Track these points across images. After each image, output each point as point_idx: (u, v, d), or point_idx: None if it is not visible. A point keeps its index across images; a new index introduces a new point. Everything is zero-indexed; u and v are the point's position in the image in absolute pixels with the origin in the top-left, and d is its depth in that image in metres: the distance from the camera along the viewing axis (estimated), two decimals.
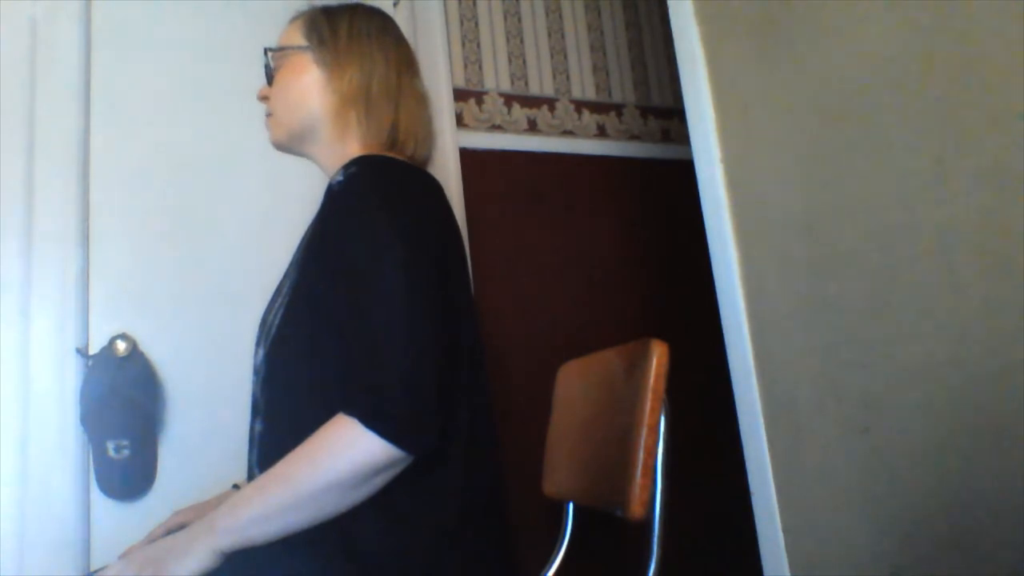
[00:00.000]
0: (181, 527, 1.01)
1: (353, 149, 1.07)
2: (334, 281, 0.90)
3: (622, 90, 2.35)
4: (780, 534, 1.37)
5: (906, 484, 1.16)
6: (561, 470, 1.23)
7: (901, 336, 1.17)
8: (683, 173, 1.70)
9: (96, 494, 1.51)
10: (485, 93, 2.11)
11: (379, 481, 0.84)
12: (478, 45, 2.13)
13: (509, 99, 2.14)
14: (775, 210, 1.39)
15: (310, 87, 1.10)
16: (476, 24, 2.15)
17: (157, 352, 1.57)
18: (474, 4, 2.16)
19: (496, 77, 2.14)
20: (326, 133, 1.10)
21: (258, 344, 1.04)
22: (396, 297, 0.84)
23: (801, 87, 1.33)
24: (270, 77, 1.15)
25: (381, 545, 0.87)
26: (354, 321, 0.85)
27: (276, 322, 0.99)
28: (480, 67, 2.13)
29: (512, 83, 2.16)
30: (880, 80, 1.20)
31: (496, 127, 2.09)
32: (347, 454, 0.81)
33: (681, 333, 1.44)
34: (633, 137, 2.32)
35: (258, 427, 1.00)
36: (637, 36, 2.43)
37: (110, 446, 1.49)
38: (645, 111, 2.37)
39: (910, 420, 1.15)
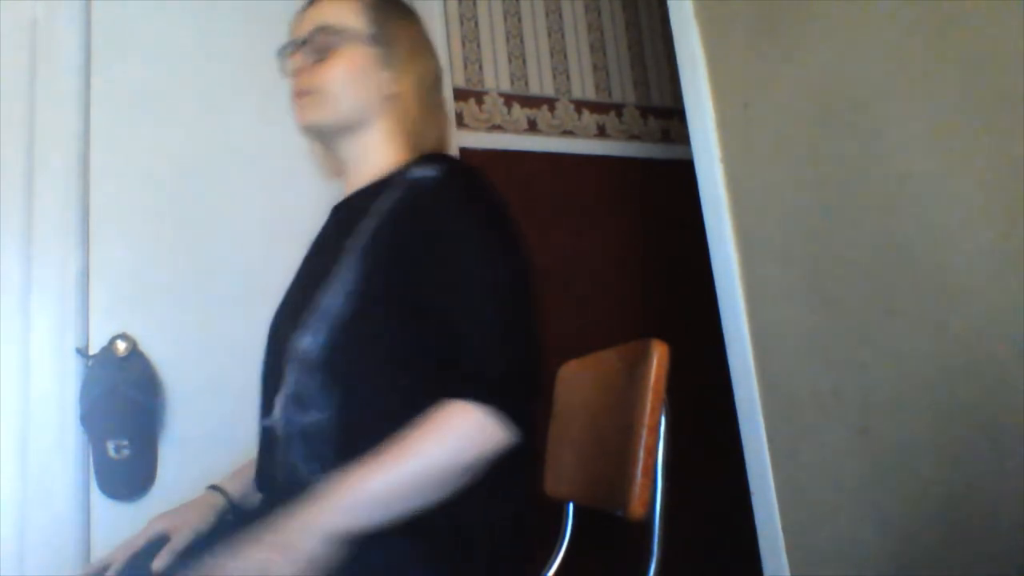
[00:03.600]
0: (161, 536, 0.99)
1: (396, 150, 1.10)
2: (434, 276, 0.92)
3: (622, 90, 2.35)
4: (780, 534, 1.37)
5: (906, 484, 1.16)
6: (561, 470, 1.23)
7: (901, 336, 1.17)
8: (683, 173, 1.70)
9: (96, 494, 1.50)
10: (485, 93, 2.11)
11: (486, 464, 0.87)
12: (478, 45, 2.13)
13: (509, 99, 2.14)
14: (775, 210, 1.39)
15: (370, 79, 1.09)
16: (476, 24, 2.15)
17: (157, 352, 1.57)
18: (474, 4, 2.16)
19: (496, 77, 2.14)
20: (375, 129, 1.11)
21: (299, 330, 0.95)
22: (514, 297, 0.93)
23: (801, 86, 1.33)
24: (318, 53, 1.08)
25: (477, 520, 0.90)
26: (466, 316, 0.90)
27: (340, 310, 0.94)
28: (480, 67, 2.13)
29: (512, 83, 2.16)
30: (880, 80, 1.20)
31: (496, 127, 2.09)
32: (477, 439, 0.84)
33: (681, 333, 1.44)
34: (633, 137, 2.32)
35: (308, 418, 0.93)
36: (637, 36, 2.43)
37: (110, 446, 1.49)
38: (645, 111, 2.37)
39: (910, 420, 1.16)
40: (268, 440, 0.99)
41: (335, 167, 1.20)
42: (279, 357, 1.00)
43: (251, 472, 1.07)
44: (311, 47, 1.09)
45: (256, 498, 1.08)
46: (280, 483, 0.95)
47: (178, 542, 0.99)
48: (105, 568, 0.99)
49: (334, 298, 0.95)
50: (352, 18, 1.11)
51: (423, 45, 1.16)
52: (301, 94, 1.09)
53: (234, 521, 1.05)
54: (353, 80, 1.09)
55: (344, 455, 0.86)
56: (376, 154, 1.11)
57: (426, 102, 1.12)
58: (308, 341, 0.94)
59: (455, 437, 0.84)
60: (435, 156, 1.06)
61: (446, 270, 0.92)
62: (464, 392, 0.85)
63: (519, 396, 0.87)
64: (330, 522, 0.80)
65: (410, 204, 0.98)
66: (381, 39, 1.11)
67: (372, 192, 1.06)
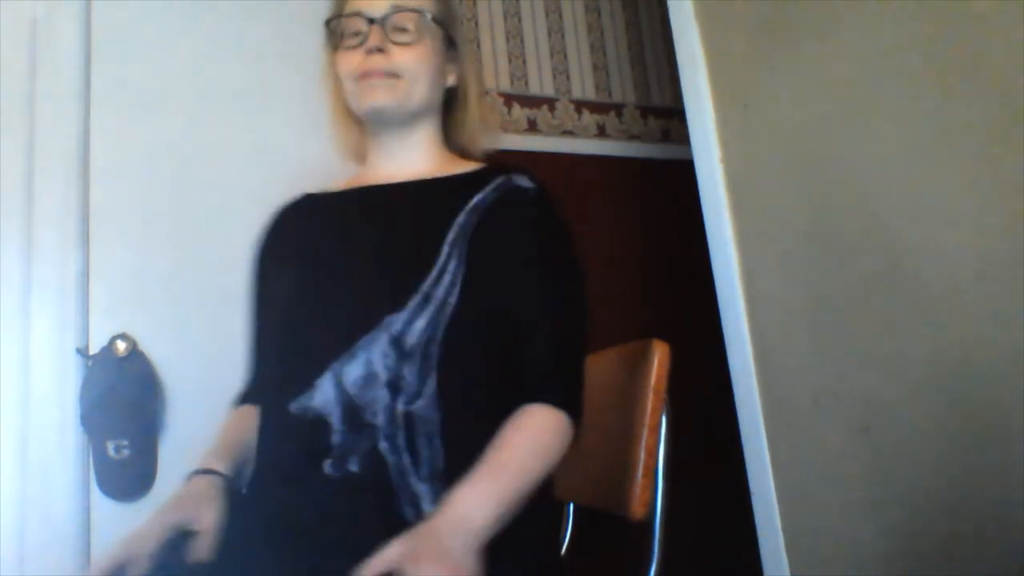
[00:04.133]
0: (179, 527, 0.92)
1: (442, 145, 1.14)
2: (525, 281, 0.99)
3: (622, 90, 2.35)
4: (780, 534, 1.37)
5: (906, 484, 1.16)
6: (562, 470, 1.23)
7: (901, 336, 1.17)
8: (683, 173, 1.70)
9: (96, 494, 1.50)
10: (485, 93, 2.11)
11: None
12: (478, 45, 2.13)
13: (509, 99, 2.14)
14: (775, 210, 1.39)
15: (443, 69, 1.11)
16: (476, 24, 2.15)
17: (157, 352, 1.57)
18: (474, 4, 2.16)
19: (496, 77, 2.14)
20: (432, 120, 1.13)
21: (395, 312, 0.93)
22: (581, 308, 1.02)
23: (801, 87, 1.33)
24: (402, 33, 1.06)
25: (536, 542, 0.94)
26: (549, 322, 0.98)
27: (448, 300, 0.94)
28: (480, 67, 2.13)
29: (512, 83, 2.16)
30: (880, 80, 1.20)
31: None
32: (565, 442, 0.92)
33: (681, 333, 1.44)
34: (633, 137, 2.32)
35: (406, 405, 0.90)
36: (637, 36, 2.43)
37: (110, 446, 1.49)
38: (645, 111, 2.37)
39: (910, 420, 1.16)
40: (303, 425, 0.92)
41: (361, 152, 1.17)
42: (328, 333, 0.95)
43: (234, 455, 1.02)
44: (390, 25, 1.05)
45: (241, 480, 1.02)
46: (337, 474, 0.89)
47: (207, 530, 0.92)
48: (121, 568, 0.90)
49: (442, 287, 0.95)
50: (432, 4, 1.09)
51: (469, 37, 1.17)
52: (377, 74, 1.04)
53: (240, 509, 0.97)
54: (432, 66, 1.08)
55: (449, 447, 0.88)
56: (429, 145, 1.12)
57: (480, 98, 1.16)
58: (417, 325, 0.93)
59: (551, 438, 0.91)
60: (523, 168, 1.10)
61: (536, 276, 1.00)
62: (548, 397, 0.93)
63: (581, 400, 0.96)
64: (482, 531, 0.79)
65: (512, 210, 1.03)
66: (447, 24, 1.11)
67: (447, 186, 1.06)
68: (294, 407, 0.93)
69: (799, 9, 1.33)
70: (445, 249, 0.97)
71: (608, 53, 2.35)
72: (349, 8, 1.08)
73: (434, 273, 0.96)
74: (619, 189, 2.24)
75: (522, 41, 2.21)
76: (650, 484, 0.96)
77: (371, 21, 1.05)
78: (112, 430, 1.49)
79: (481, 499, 0.82)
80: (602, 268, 2.15)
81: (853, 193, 1.24)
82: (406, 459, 0.88)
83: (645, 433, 0.96)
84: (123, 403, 1.50)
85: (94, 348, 1.54)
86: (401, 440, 0.89)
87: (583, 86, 2.28)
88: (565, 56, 2.27)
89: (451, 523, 0.79)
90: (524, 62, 2.19)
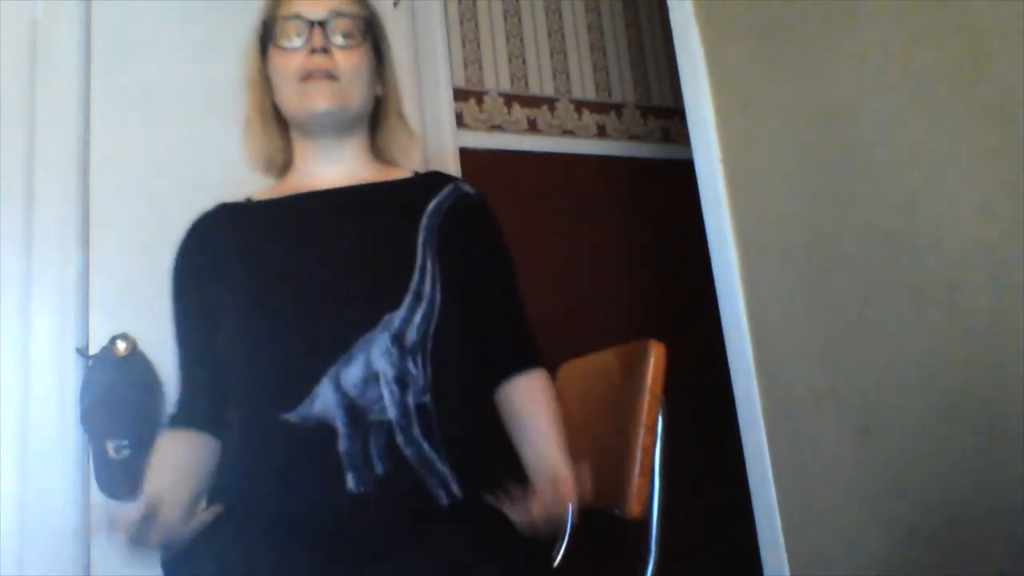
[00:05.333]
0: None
1: (369, 153, 1.17)
2: (491, 274, 1.12)
3: (622, 90, 2.35)
4: (780, 534, 1.37)
5: (906, 484, 1.16)
6: None
7: (901, 336, 1.17)
8: (683, 173, 1.69)
9: (96, 494, 1.51)
10: (485, 93, 2.11)
11: None
12: (478, 45, 2.14)
13: (509, 99, 2.14)
14: (775, 210, 1.39)
15: (374, 78, 1.14)
16: (476, 24, 2.15)
17: (157, 352, 1.57)
18: (474, 4, 2.16)
19: (496, 77, 2.14)
20: (367, 128, 1.16)
21: (391, 311, 0.97)
22: (517, 288, 1.15)
23: (801, 87, 1.33)
24: (343, 38, 1.07)
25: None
26: (508, 303, 1.13)
27: (435, 296, 1.00)
28: (480, 67, 2.13)
29: (512, 83, 2.16)
30: (880, 80, 1.19)
31: (496, 127, 2.09)
32: (552, 387, 1.08)
33: (681, 333, 1.44)
34: (633, 137, 2.32)
35: (415, 399, 0.95)
36: (637, 36, 2.43)
37: (110, 446, 1.49)
38: (645, 111, 2.37)
39: (910, 420, 1.15)
40: (305, 434, 0.92)
41: (276, 161, 1.18)
42: (318, 338, 0.96)
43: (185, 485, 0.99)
44: (331, 30, 1.06)
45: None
46: (363, 488, 0.90)
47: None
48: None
49: (427, 285, 1.00)
50: (359, 7, 1.11)
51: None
52: (320, 76, 1.05)
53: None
54: (368, 72, 1.11)
55: (446, 432, 0.94)
56: (363, 152, 1.15)
57: (401, 113, 1.19)
58: (414, 322, 0.98)
59: (553, 391, 1.07)
60: (456, 177, 1.21)
61: (496, 270, 1.13)
62: (527, 364, 1.07)
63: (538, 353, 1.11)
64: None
65: (466, 214, 1.11)
66: (378, 35, 1.13)
67: (399, 190, 1.12)
68: (293, 417, 0.93)
69: (799, 9, 1.33)
70: (419, 250, 1.02)
71: (608, 53, 2.35)
72: (286, 11, 1.08)
73: (417, 272, 1.00)
74: (619, 189, 2.24)
75: (522, 41, 2.21)
76: (647, 483, 0.96)
77: (312, 24, 1.06)
78: (112, 430, 1.49)
79: (560, 452, 0.98)
80: (601, 268, 2.15)
81: (853, 193, 1.24)
82: (426, 447, 0.92)
83: (642, 433, 0.97)
84: (123, 403, 1.50)
85: (94, 348, 1.54)
86: (417, 431, 0.93)
87: (583, 86, 2.28)
88: (565, 56, 2.27)
89: (558, 468, 0.94)
90: (524, 62, 2.19)
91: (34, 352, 1.51)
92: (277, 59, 1.09)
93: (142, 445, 1.53)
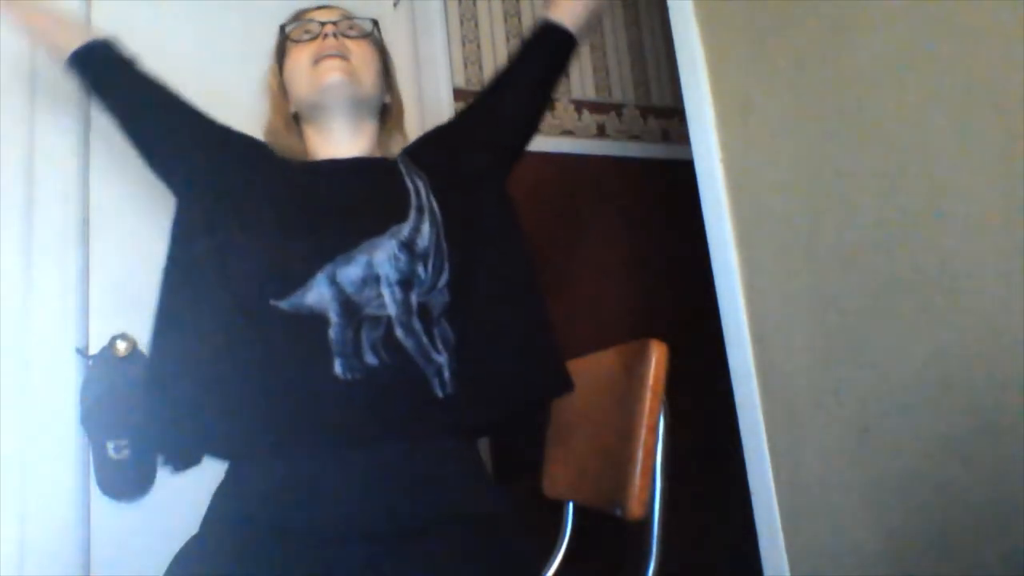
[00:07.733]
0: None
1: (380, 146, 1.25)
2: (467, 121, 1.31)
3: (622, 90, 2.35)
4: (780, 534, 1.37)
5: (906, 484, 1.16)
6: (561, 470, 1.23)
7: (901, 336, 1.17)
8: (683, 173, 1.70)
9: (96, 494, 1.51)
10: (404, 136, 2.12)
11: None
12: (478, 45, 2.14)
13: None
14: (775, 210, 1.39)
15: (383, 82, 1.24)
16: (476, 24, 2.15)
17: None
18: (474, 4, 2.16)
19: None
20: (377, 125, 1.24)
21: (409, 222, 1.05)
22: None
23: (801, 87, 1.33)
24: (354, 31, 1.19)
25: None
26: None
27: (437, 212, 1.07)
28: (480, 67, 2.13)
29: None
30: (880, 80, 1.20)
31: None
32: None
33: (681, 333, 1.44)
34: (633, 137, 2.32)
35: (421, 298, 1.01)
36: (637, 36, 2.43)
37: (110, 446, 1.49)
38: (645, 111, 2.37)
39: (910, 420, 1.15)
40: (294, 321, 0.98)
41: (300, 148, 1.23)
42: (319, 240, 1.02)
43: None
44: (341, 27, 1.18)
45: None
46: (351, 375, 0.95)
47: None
48: None
49: (424, 200, 1.08)
50: (366, 22, 1.22)
51: None
52: (331, 55, 1.14)
53: None
54: (376, 64, 1.21)
55: (455, 322, 1.01)
56: (374, 143, 1.22)
57: (403, 127, 1.29)
58: (424, 230, 1.05)
59: None
60: None
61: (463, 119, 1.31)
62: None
63: None
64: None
65: (421, 138, 1.27)
66: (384, 50, 1.26)
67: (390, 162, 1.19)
68: (284, 304, 0.98)
69: (799, 10, 1.33)
70: (405, 176, 1.12)
71: (608, 53, 2.35)
72: (303, 19, 1.21)
73: (412, 192, 1.08)
74: (619, 189, 2.24)
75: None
76: (648, 484, 0.96)
77: (323, 24, 1.17)
78: (112, 430, 1.49)
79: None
80: (601, 268, 2.15)
81: (853, 193, 1.24)
82: (424, 339, 0.98)
83: (643, 433, 0.97)
84: (123, 403, 1.50)
85: (94, 348, 1.54)
86: (417, 324, 0.98)
87: (583, 86, 2.28)
88: None
89: None
90: None
91: (34, 352, 1.51)
92: (292, 55, 1.19)
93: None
